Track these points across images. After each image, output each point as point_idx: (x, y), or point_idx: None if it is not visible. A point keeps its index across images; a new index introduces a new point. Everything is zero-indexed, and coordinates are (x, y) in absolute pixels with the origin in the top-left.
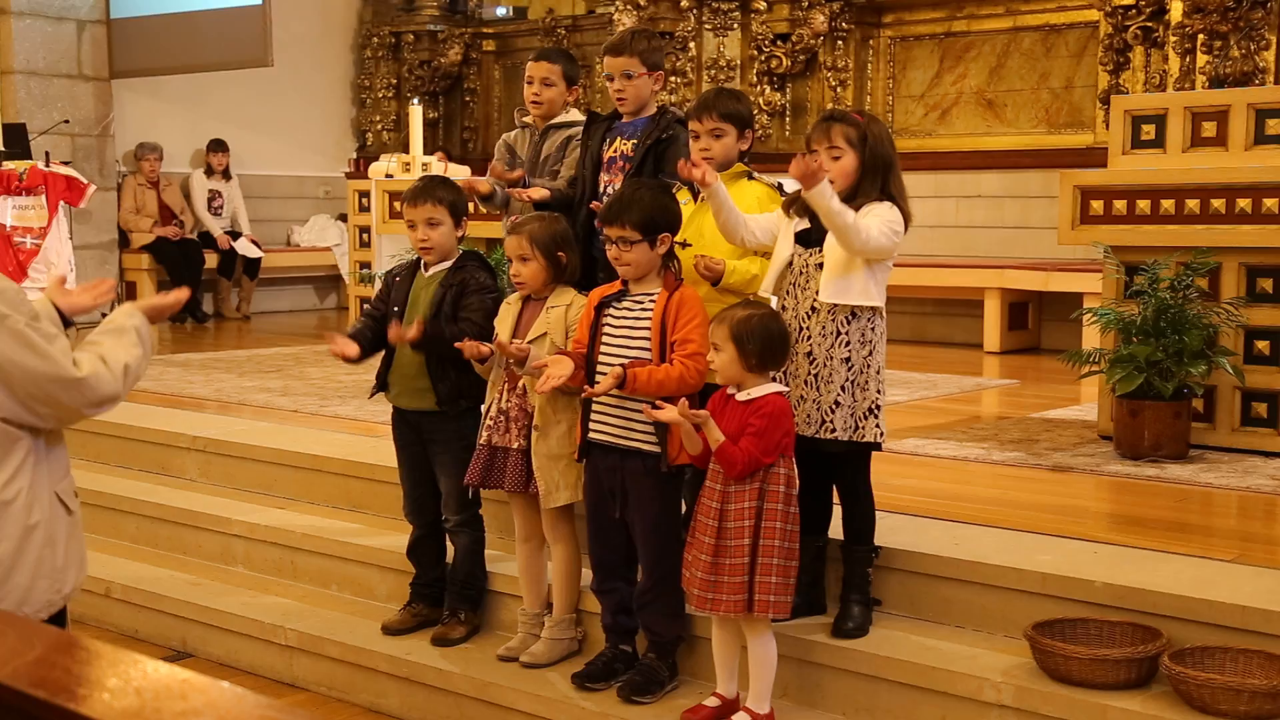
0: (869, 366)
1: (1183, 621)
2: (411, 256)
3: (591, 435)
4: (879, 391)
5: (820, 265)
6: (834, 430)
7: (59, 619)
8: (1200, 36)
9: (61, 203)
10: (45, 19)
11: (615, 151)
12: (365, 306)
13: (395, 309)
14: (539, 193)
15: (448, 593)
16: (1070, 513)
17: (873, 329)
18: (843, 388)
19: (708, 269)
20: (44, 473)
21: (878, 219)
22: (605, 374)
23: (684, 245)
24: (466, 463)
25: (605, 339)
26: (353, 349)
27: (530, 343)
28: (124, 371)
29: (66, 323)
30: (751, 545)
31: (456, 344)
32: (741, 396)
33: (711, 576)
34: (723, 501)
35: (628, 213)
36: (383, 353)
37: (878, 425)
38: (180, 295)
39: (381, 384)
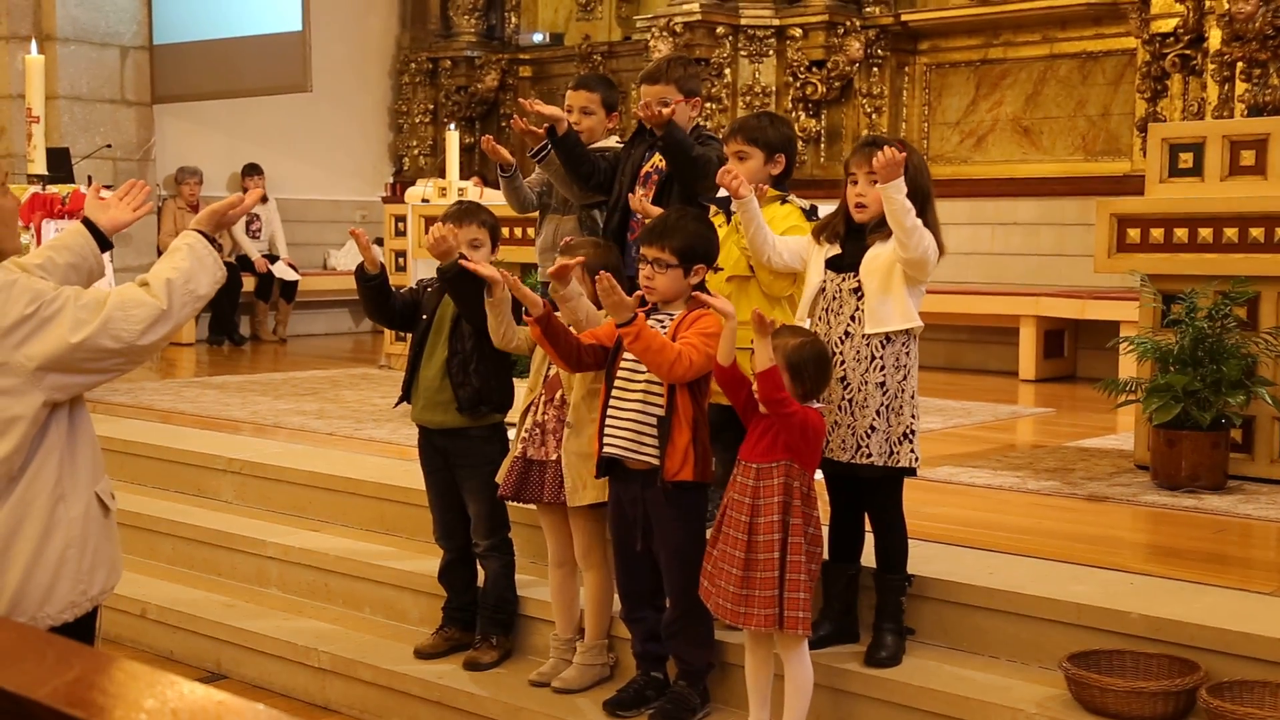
0: (903, 391)
1: (1221, 655)
2: None
3: (605, 449)
4: (913, 416)
5: (855, 290)
6: (869, 455)
7: (88, 621)
8: (1239, 64)
9: None
10: (90, 45)
11: (651, 166)
12: (400, 335)
13: (425, 316)
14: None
15: (479, 617)
16: (1106, 543)
17: (907, 353)
18: (878, 412)
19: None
20: (79, 474)
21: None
22: (622, 389)
23: (715, 269)
24: (494, 487)
25: (624, 357)
26: (374, 260)
27: None
28: (165, 286)
29: (105, 245)
30: (780, 559)
31: (485, 408)
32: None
33: (743, 590)
34: (751, 515)
35: (670, 237)
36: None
37: (913, 450)
38: (248, 196)
39: (406, 395)
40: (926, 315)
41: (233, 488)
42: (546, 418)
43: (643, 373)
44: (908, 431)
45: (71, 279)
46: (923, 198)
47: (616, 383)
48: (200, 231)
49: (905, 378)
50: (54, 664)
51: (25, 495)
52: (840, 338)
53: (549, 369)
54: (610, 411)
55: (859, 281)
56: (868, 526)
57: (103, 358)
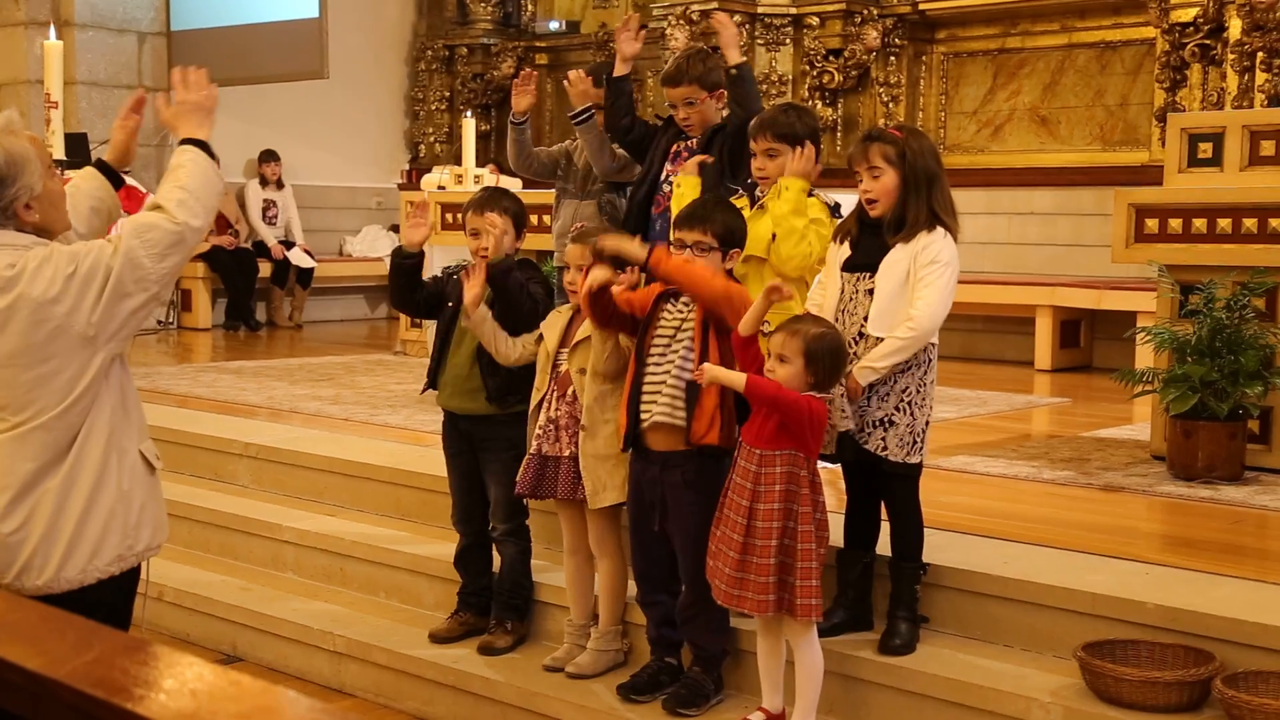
0: (913, 390)
1: (1236, 645)
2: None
3: (646, 416)
4: (926, 421)
5: (870, 291)
6: (885, 449)
7: (131, 578)
8: (1259, 54)
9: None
10: (107, 31)
11: (681, 146)
12: (416, 321)
13: (450, 304)
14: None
15: (494, 602)
16: (1122, 533)
17: (918, 352)
18: (897, 408)
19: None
20: (127, 430)
21: (932, 290)
22: (658, 363)
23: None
24: (515, 471)
25: (659, 330)
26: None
27: (578, 343)
28: (178, 206)
29: (118, 182)
30: (780, 546)
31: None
32: None
33: (739, 574)
34: (752, 500)
35: (710, 221)
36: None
37: (917, 445)
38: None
39: (432, 382)
40: None
41: (249, 472)
42: (559, 414)
43: (679, 341)
44: (914, 431)
45: (94, 223)
46: (929, 182)
47: (651, 354)
48: (195, 142)
49: (921, 377)
50: (74, 644)
51: (83, 449)
52: (854, 339)
53: (558, 364)
54: (648, 381)
55: (874, 283)
56: (883, 515)
57: (131, 291)
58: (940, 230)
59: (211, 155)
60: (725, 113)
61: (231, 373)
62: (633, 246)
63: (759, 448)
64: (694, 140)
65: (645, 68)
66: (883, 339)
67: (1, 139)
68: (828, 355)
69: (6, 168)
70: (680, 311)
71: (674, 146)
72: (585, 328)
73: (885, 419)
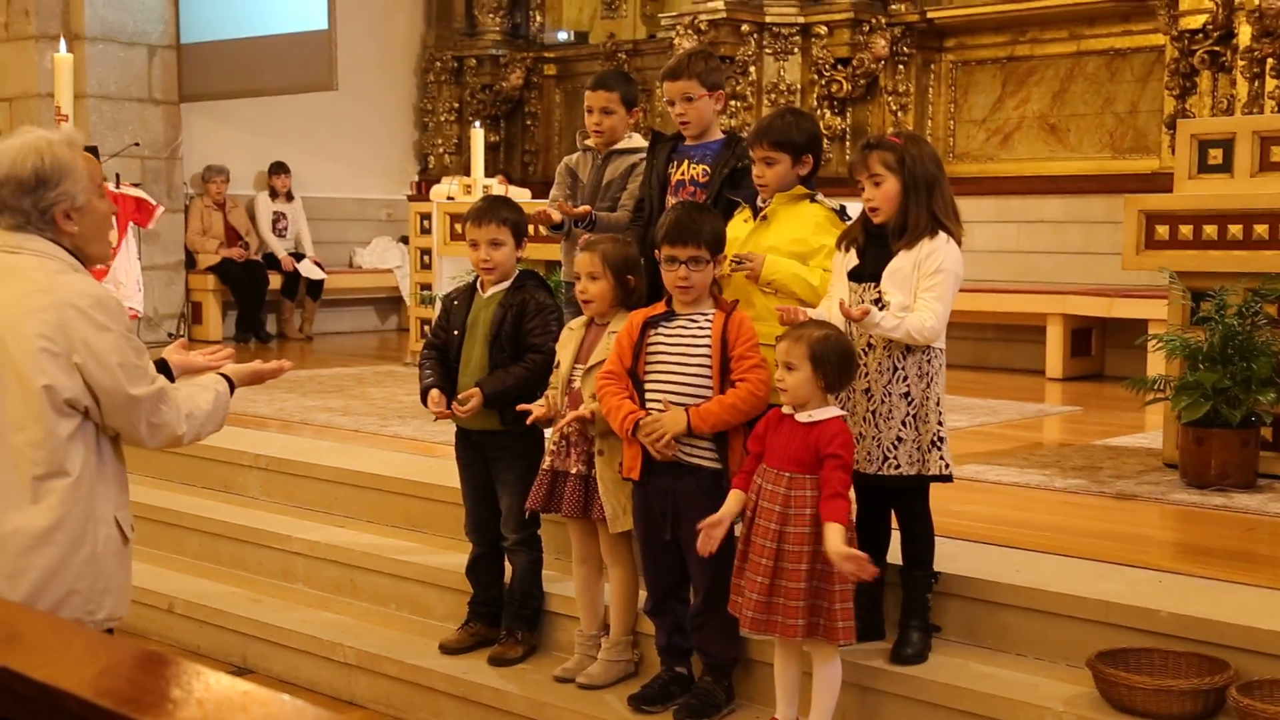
0: (928, 400)
1: (1250, 653)
2: (471, 277)
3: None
4: (940, 423)
5: (876, 301)
6: (898, 466)
7: None
8: (1269, 60)
9: (131, 224)
10: (118, 44)
11: (684, 175)
12: (426, 332)
13: (455, 332)
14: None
15: (505, 612)
16: (1134, 541)
17: (929, 361)
18: (904, 423)
19: (739, 264)
20: (106, 495)
21: (940, 302)
22: (657, 394)
23: (739, 263)
24: (528, 482)
25: (659, 359)
26: (443, 404)
27: (590, 369)
28: (187, 419)
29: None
30: (811, 570)
31: (524, 413)
32: (803, 417)
33: (768, 598)
34: (781, 523)
35: (700, 234)
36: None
37: (943, 458)
38: (280, 365)
39: (446, 404)
40: (953, 314)
41: (259, 484)
42: (570, 430)
43: (678, 381)
44: (935, 439)
45: None
46: (929, 186)
47: (649, 383)
48: (230, 382)
49: (929, 385)
50: (81, 655)
51: (65, 503)
52: (863, 350)
53: (571, 381)
54: (651, 411)
55: (879, 292)
56: (894, 524)
57: (120, 406)
58: (943, 236)
59: (231, 394)
60: (732, 121)
61: None
62: (677, 425)
63: (787, 470)
64: (697, 168)
65: (653, 79)
66: (896, 346)
67: (55, 145)
68: (834, 356)
69: (51, 170)
70: (678, 337)
71: (673, 176)
72: (601, 349)
73: (894, 438)
